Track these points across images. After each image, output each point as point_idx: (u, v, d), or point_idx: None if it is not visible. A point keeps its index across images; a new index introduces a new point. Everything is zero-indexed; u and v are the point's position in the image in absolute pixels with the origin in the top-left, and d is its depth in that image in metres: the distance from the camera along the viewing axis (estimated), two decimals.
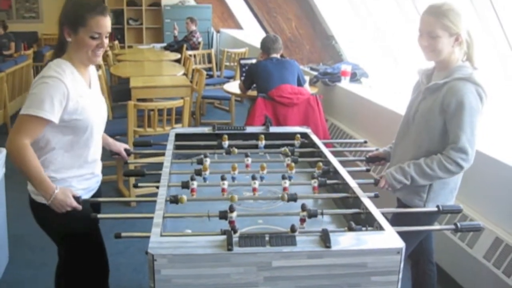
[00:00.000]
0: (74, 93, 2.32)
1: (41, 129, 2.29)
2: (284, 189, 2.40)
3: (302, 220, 2.12)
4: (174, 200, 2.25)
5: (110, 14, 2.39)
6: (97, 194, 2.67)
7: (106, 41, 2.37)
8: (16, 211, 4.00)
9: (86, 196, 2.54)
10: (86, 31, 2.29)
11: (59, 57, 2.40)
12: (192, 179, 2.39)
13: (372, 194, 2.43)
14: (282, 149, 2.92)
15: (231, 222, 2.05)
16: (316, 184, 2.47)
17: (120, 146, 2.93)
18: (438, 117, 2.51)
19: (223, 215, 2.07)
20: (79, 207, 2.34)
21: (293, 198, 2.28)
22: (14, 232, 4.05)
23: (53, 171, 2.40)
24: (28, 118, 2.25)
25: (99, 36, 2.32)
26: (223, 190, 2.39)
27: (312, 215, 2.11)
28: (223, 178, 2.40)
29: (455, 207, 2.44)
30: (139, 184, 2.66)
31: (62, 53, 2.41)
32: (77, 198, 2.34)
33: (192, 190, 2.37)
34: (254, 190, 2.40)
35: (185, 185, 2.41)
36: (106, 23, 2.33)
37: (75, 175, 2.45)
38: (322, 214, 2.17)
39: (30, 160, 2.26)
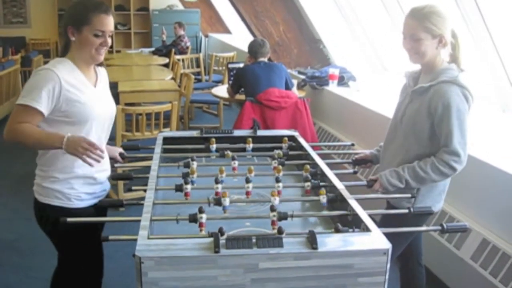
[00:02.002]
0: (69, 86, 2.34)
1: (31, 118, 2.30)
2: (278, 192, 2.39)
3: (273, 222, 2.09)
4: (218, 201, 2.24)
5: (114, 14, 2.43)
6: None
7: (109, 40, 2.42)
8: (4, 216, 3.99)
9: (91, 201, 2.55)
10: (90, 29, 2.34)
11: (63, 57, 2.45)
12: (186, 182, 2.38)
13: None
14: (276, 152, 2.92)
15: (201, 225, 2.05)
16: (309, 188, 2.48)
17: (114, 151, 2.93)
18: (426, 120, 2.52)
19: (192, 218, 2.07)
20: (96, 146, 2.26)
21: (285, 216, 2.15)
22: (2, 236, 4.03)
23: (56, 171, 2.42)
24: (19, 107, 2.30)
25: (103, 34, 2.37)
26: (216, 193, 2.37)
27: (282, 217, 2.10)
28: (217, 182, 2.39)
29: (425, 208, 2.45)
30: (133, 188, 2.64)
31: (66, 53, 2.46)
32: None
33: (186, 194, 2.37)
34: (247, 193, 2.40)
35: (178, 188, 2.39)
36: (110, 22, 2.38)
37: (76, 176, 2.45)
38: (292, 216, 2.15)
39: (26, 131, 2.28)
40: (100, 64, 2.60)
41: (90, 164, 2.27)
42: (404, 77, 2.77)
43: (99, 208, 2.59)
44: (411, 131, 2.60)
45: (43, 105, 2.29)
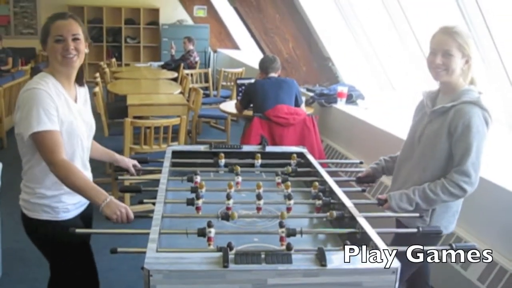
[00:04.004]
0: (59, 104, 2.35)
1: (58, 138, 2.31)
2: (288, 209, 2.39)
3: (282, 238, 2.09)
4: (226, 217, 2.24)
5: (78, 20, 2.45)
6: (89, 208, 2.66)
7: (80, 46, 2.40)
8: (11, 225, 3.98)
9: (77, 210, 2.55)
10: (51, 38, 2.37)
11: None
12: (198, 197, 2.39)
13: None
14: (286, 168, 2.92)
15: (209, 239, 2.05)
16: (320, 205, 2.48)
17: (128, 162, 2.94)
18: (445, 141, 2.51)
19: (201, 232, 2.07)
20: (130, 216, 2.34)
21: (293, 233, 2.13)
22: (9, 246, 4.02)
23: (44, 188, 2.41)
24: (41, 135, 2.28)
25: (63, 38, 2.36)
26: (228, 208, 2.38)
27: (291, 234, 2.09)
28: (228, 197, 2.40)
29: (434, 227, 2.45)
30: (145, 200, 2.64)
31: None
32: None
33: (198, 209, 2.38)
34: (258, 209, 2.41)
35: (190, 202, 2.40)
36: (67, 25, 2.38)
37: (65, 191, 2.42)
38: (301, 233, 2.13)
39: (75, 175, 2.31)
40: (81, 84, 2.59)
41: (115, 221, 2.32)
42: (421, 95, 2.74)
43: (85, 218, 2.62)
44: (429, 151, 2.58)
45: (55, 123, 2.31)
